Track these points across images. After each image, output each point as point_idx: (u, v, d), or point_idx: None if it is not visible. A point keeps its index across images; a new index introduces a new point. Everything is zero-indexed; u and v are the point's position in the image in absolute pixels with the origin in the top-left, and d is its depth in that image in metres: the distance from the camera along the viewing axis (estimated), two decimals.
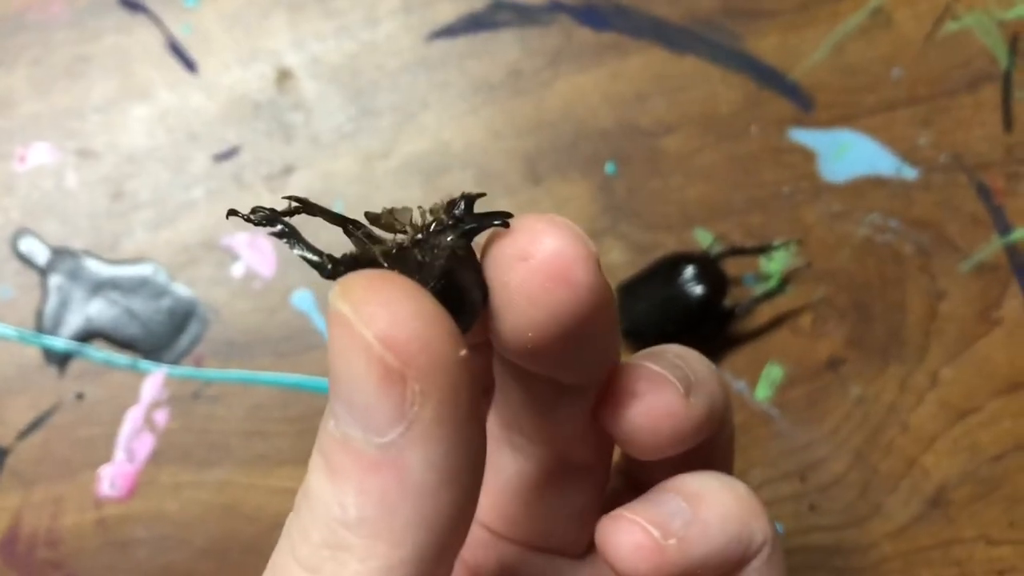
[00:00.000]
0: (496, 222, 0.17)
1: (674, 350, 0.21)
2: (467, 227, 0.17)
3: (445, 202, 0.18)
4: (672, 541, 0.19)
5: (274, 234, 0.17)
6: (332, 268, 0.17)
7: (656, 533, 0.19)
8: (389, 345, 0.15)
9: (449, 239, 0.17)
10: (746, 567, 0.21)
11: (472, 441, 0.16)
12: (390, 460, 0.15)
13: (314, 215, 0.18)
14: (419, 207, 0.18)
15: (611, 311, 0.18)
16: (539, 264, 0.16)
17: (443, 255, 0.17)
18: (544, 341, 0.17)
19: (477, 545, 0.24)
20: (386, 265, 0.17)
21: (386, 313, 0.15)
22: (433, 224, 0.18)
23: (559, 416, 0.21)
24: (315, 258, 0.17)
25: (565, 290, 0.16)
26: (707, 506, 0.20)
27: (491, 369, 0.22)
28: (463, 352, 0.15)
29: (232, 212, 0.17)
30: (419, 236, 0.18)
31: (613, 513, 0.20)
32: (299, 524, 0.17)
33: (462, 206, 0.17)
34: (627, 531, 0.19)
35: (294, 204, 0.18)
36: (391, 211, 0.19)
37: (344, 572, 0.16)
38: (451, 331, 0.15)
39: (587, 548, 0.24)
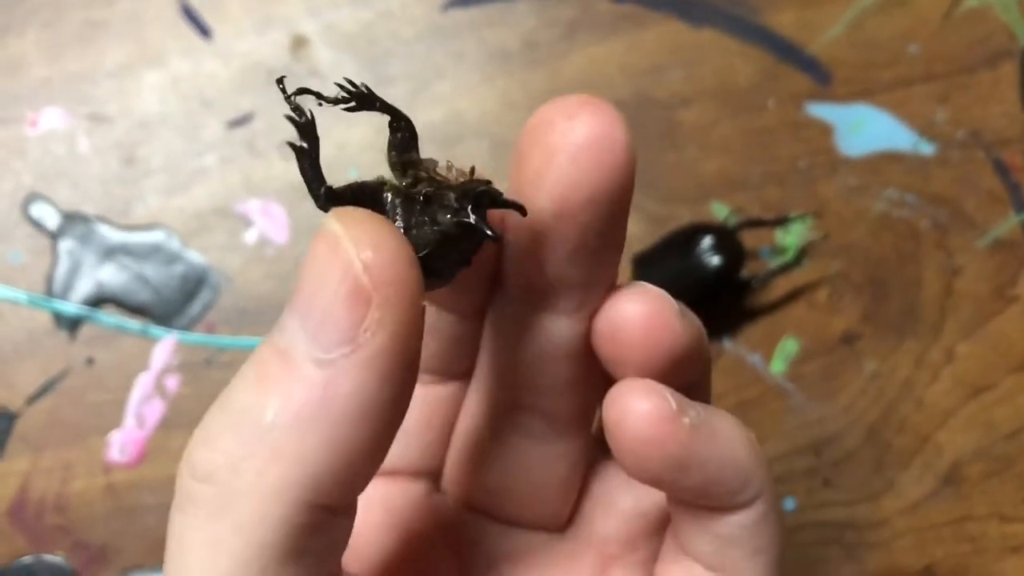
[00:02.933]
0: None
1: None
2: (470, 220, 0.17)
3: (469, 174, 0.18)
4: (686, 420, 0.19)
5: (298, 129, 0.17)
6: (326, 198, 0.17)
7: (674, 404, 0.19)
8: (367, 265, 0.15)
9: (449, 218, 0.17)
10: (736, 513, 0.20)
11: (405, 384, 0.16)
12: (323, 377, 0.16)
13: (368, 108, 0.18)
14: (448, 162, 0.19)
15: (629, 199, 0.18)
16: (584, 123, 0.17)
17: (438, 232, 0.18)
18: (577, 206, 0.18)
19: (458, 524, 0.24)
20: (388, 199, 0.18)
21: (373, 241, 0.16)
22: (448, 194, 0.18)
23: (551, 355, 0.20)
24: (314, 184, 0.18)
25: (607, 150, 0.17)
26: (720, 420, 0.20)
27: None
28: (424, 304, 0.16)
29: (280, 80, 0.18)
30: (430, 190, 0.18)
31: (628, 380, 0.19)
32: (202, 432, 0.17)
33: (481, 195, 0.18)
34: (644, 394, 0.18)
35: (354, 89, 0.18)
36: (422, 160, 0.19)
37: (238, 483, 0.16)
38: (420, 278, 0.16)
39: (567, 522, 0.24)
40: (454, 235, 0.17)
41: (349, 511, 0.18)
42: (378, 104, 0.18)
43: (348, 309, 0.15)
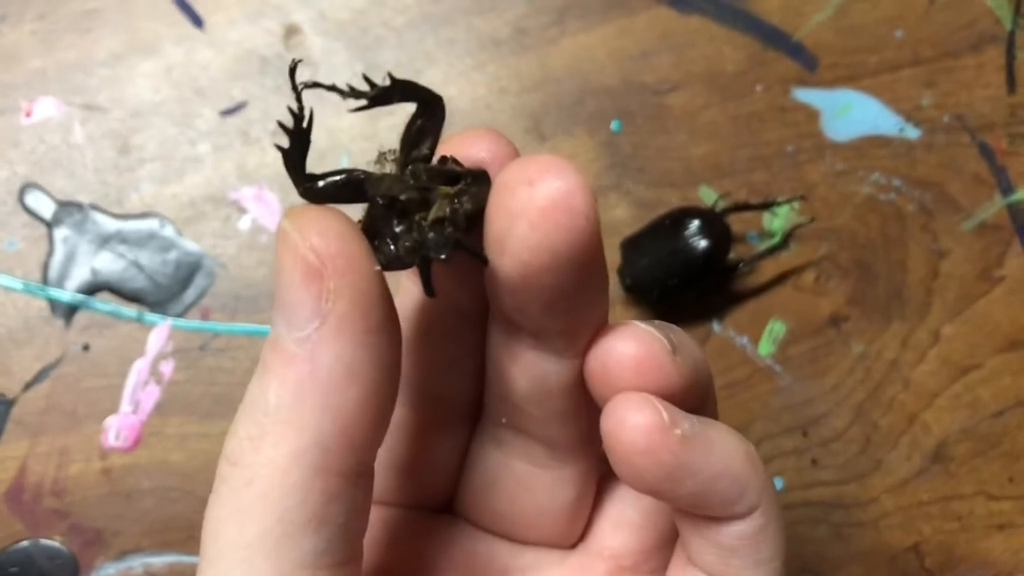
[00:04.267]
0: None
1: (657, 322, 0.22)
2: (439, 253, 0.18)
3: (452, 195, 0.19)
4: (678, 431, 0.19)
5: (287, 132, 0.18)
6: (304, 198, 0.19)
7: (666, 416, 0.19)
8: (313, 248, 0.17)
9: (408, 252, 0.18)
10: (735, 523, 0.20)
11: (380, 346, 0.18)
12: (305, 353, 0.17)
13: (383, 104, 0.19)
14: (451, 158, 0.19)
15: (602, 254, 0.19)
16: (543, 189, 0.17)
17: (394, 254, 0.19)
18: (541, 268, 0.18)
19: (469, 543, 0.24)
20: (369, 195, 0.19)
21: (316, 227, 0.17)
22: (417, 223, 0.18)
23: (544, 390, 0.21)
24: (297, 184, 0.19)
25: (565, 215, 0.17)
26: (716, 432, 0.20)
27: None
28: (376, 268, 0.18)
29: (292, 68, 0.19)
30: (408, 204, 0.19)
31: (624, 392, 0.20)
32: (231, 429, 0.18)
33: (428, 259, 0.18)
34: (637, 407, 0.19)
35: (368, 88, 0.19)
36: (427, 158, 0.19)
37: (259, 459, 0.18)
38: (367, 250, 0.18)
39: (579, 539, 0.24)
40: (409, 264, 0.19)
41: (362, 481, 0.19)
42: (397, 97, 0.19)
43: (306, 287, 0.17)
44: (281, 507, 0.17)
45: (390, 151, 0.20)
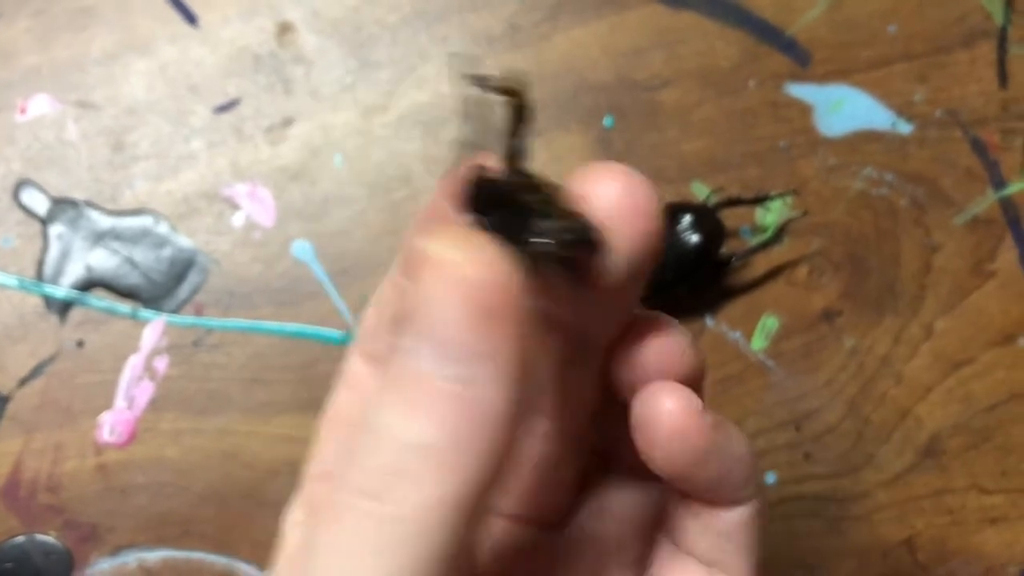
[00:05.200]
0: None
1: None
2: (568, 250, 0.19)
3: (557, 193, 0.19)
4: (708, 418, 0.20)
5: (520, 98, 0.19)
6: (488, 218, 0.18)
7: (696, 404, 0.20)
8: (479, 286, 0.17)
9: (551, 249, 0.18)
10: (734, 509, 0.21)
11: (531, 385, 0.18)
12: (471, 395, 0.17)
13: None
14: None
15: (656, 259, 0.20)
16: (614, 189, 0.19)
17: (529, 251, 0.18)
18: (632, 265, 0.19)
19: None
20: (505, 194, 0.19)
21: (475, 260, 0.17)
22: (545, 220, 0.19)
23: (574, 376, 0.22)
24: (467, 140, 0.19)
25: (639, 215, 0.19)
26: (730, 426, 0.21)
27: None
28: (532, 304, 0.18)
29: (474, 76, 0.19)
30: (535, 203, 0.19)
31: (656, 382, 0.21)
32: (361, 458, 0.17)
33: (586, 230, 0.19)
34: (671, 395, 0.20)
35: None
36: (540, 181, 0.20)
37: (402, 496, 0.17)
38: (523, 284, 0.17)
39: (564, 518, 0.25)
40: (547, 259, 0.18)
41: (487, 517, 0.19)
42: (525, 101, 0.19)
43: (472, 328, 0.17)
44: (422, 545, 0.17)
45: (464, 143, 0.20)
